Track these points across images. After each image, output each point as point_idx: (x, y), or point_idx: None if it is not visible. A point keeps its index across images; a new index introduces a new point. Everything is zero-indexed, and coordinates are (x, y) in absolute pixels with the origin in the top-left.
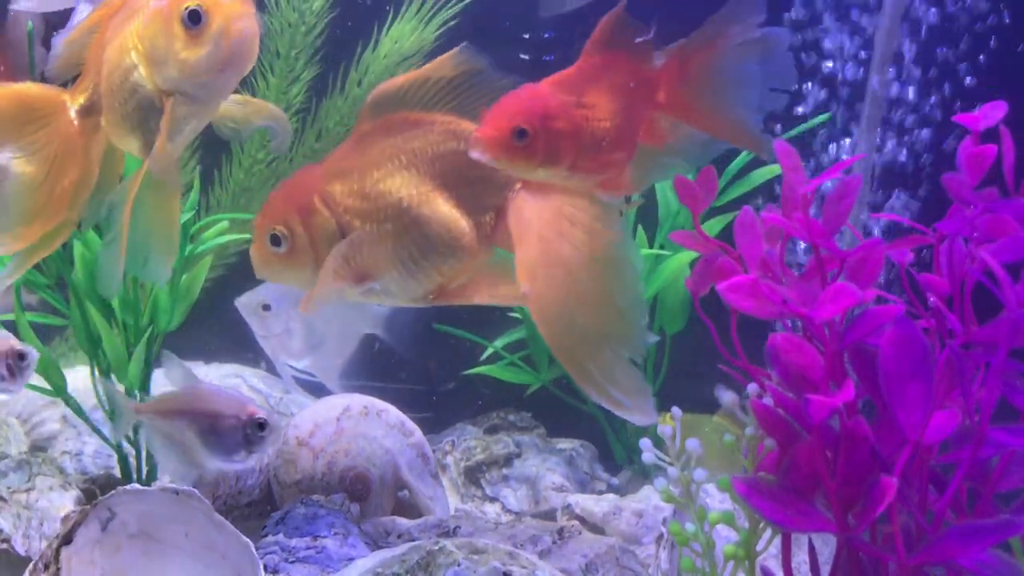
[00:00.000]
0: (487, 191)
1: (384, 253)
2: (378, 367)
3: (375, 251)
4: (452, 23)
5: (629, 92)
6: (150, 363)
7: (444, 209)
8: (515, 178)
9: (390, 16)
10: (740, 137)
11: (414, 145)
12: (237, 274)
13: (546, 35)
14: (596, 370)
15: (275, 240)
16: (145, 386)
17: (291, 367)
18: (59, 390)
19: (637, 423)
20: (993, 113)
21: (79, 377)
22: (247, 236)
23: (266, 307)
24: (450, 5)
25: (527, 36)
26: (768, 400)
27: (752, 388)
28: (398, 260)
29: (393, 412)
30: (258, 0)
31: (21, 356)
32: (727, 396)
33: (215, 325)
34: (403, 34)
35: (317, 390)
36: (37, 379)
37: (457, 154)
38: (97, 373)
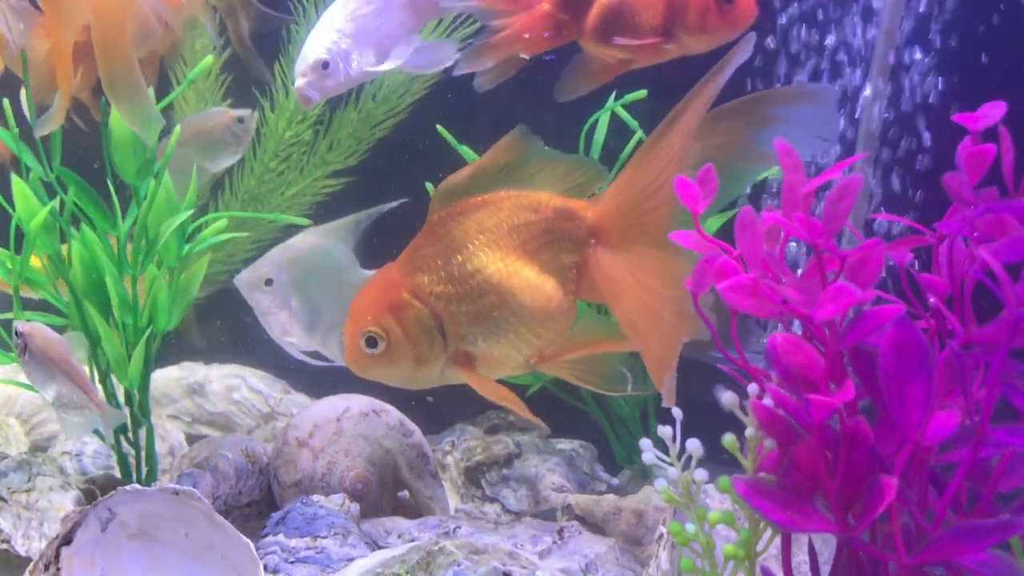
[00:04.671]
0: (564, 250)
1: (482, 331)
2: None
3: (473, 330)
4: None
5: None
6: (149, 363)
7: (531, 276)
8: (587, 234)
9: None
10: None
11: (489, 224)
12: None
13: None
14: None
15: (371, 342)
16: (144, 386)
17: (294, 345)
18: None
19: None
20: (992, 113)
21: None
22: (247, 235)
23: (268, 281)
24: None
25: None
26: (768, 400)
27: (752, 388)
28: (497, 334)
29: (393, 412)
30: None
31: (239, 119)
32: (726, 395)
33: (215, 326)
34: None
35: (316, 390)
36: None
37: (530, 223)
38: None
